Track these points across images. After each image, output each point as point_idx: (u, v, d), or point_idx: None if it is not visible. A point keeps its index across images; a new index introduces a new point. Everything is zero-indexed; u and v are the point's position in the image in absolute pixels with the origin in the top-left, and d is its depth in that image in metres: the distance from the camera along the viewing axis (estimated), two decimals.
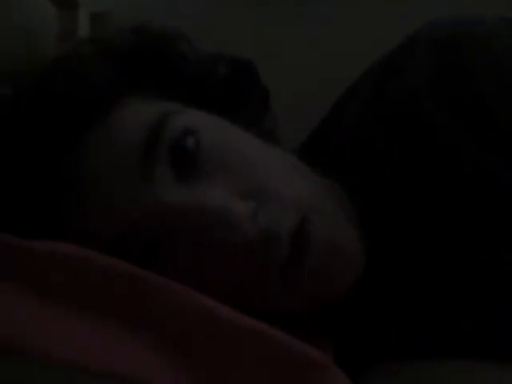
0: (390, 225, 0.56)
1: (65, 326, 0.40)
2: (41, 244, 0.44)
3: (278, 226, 0.47)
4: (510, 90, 0.54)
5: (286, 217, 0.48)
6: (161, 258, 0.48)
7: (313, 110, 0.68)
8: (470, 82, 0.54)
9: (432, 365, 0.52)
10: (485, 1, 0.95)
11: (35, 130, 0.49)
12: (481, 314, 0.54)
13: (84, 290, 0.42)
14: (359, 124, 0.59)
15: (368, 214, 0.55)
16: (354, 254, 0.50)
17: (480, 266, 0.54)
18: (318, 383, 0.40)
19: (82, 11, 1.09)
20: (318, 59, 1.28)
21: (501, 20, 0.58)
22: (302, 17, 1.32)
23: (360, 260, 0.51)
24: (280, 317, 0.45)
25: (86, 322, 0.41)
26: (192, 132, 0.50)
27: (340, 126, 0.61)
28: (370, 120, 0.58)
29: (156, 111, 0.50)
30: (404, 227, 0.55)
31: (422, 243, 0.55)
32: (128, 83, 0.53)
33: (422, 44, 0.57)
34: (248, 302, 0.46)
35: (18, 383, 0.37)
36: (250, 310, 0.43)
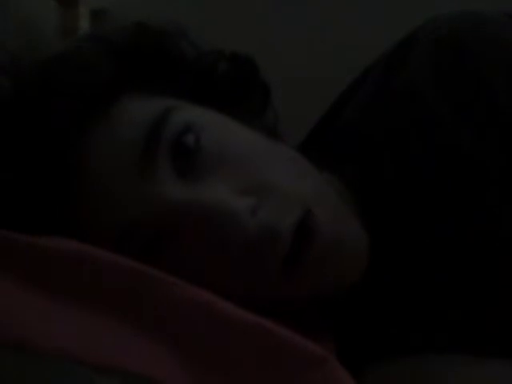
0: (390, 217, 0.56)
1: (68, 321, 0.40)
2: (41, 239, 0.44)
3: (278, 222, 0.47)
4: None
5: (288, 212, 0.48)
6: (162, 255, 0.48)
7: (314, 104, 0.68)
8: (478, 78, 0.54)
9: (432, 360, 0.52)
10: None
11: (35, 124, 0.49)
12: (468, 305, 0.54)
13: (85, 286, 0.42)
14: (361, 118, 0.59)
15: (368, 207, 0.55)
16: (357, 246, 0.51)
17: (475, 259, 0.54)
18: (319, 377, 0.40)
19: (82, 8, 1.10)
20: (320, 52, 1.29)
21: (503, 15, 0.58)
22: (302, 12, 1.32)
23: (364, 252, 0.51)
24: (281, 312, 0.45)
25: (88, 318, 0.41)
26: (192, 128, 0.50)
27: (342, 120, 0.61)
28: (372, 114, 0.58)
29: (156, 107, 0.50)
30: (404, 219, 0.55)
31: (422, 234, 0.55)
32: (128, 79, 0.53)
33: (426, 39, 0.57)
34: (249, 296, 0.46)
35: (18, 378, 0.37)
36: (251, 304, 0.43)
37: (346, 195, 0.55)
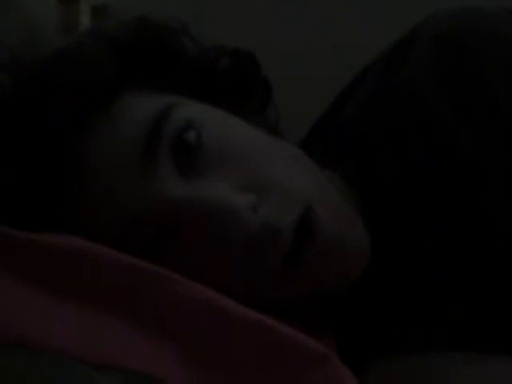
0: (390, 215, 0.56)
1: (68, 319, 0.40)
2: (42, 236, 0.44)
3: (278, 219, 0.47)
4: None
5: (289, 209, 0.48)
6: (162, 252, 0.48)
7: (314, 104, 0.68)
8: (478, 76, 0.54)
9: (434, 357, 0.52)
10: None
11: (36, 122, 0.49)
12: (468, 304, 0.54)
13: (86, 283, 0.42)
14: (361, 116, 0.59)
15: (369, 204, 0.55)
16: (359, 244, 0.51)
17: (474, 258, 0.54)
18: (320, 375, 0.40)
19: (83, 4, 1.10)
20: (320, 52, 1.28)
21: (503, 11, 0.58)
22: (302, 12, 1.32)
23: (365, 250, 0.51)
24: (282, 310, 0.45)
25: (88, 315, 0.41)
26: (193, 125, 0.50)
27: (342, 118, 0.61)
28: (372, 112, 0.58)
29: (158, 104, 0.50)
30: (404, 218, 0.55)
31: (422, 234, 0.55)
32: (130, 75, 0.53)
33: (426, 37, 0.57)
34: (249, 295, 0.46)
35: (18, 376, 0.36)
36: (253, 301, 0.43)
37: (347, 193, 0.55)
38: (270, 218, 0.47)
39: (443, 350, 0.52)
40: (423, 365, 0.52)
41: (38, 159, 0.49)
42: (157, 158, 0.48)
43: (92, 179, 0.49)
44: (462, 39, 0.55)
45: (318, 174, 0.54)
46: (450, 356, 0.52)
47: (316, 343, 0.41)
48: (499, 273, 0.54)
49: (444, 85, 0.55)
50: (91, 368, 0.37)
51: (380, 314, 0.56)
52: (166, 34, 0.56)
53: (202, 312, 0.41)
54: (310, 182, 0.51)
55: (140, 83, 0.53)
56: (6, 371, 0.36)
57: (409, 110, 0.56)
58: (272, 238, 0.47)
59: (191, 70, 0.56)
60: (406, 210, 0.56)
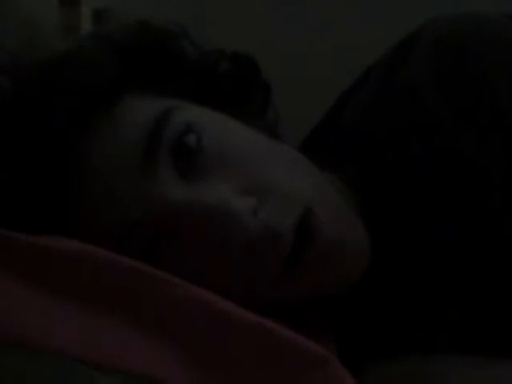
0: (391, 218, 0.56)
1: (67, 319, 0.40)
2: (41, 238, 0.44)
3: (278, 222, 0.47)
4: None
5: (289, 212, 0.48)
6: (162, 255, 0.48)
7: (314, 104, 0.68)
8: (480, 81, 0.54)
9: (433, 360, 0.52)
10: None
11: (36, 123, 0.49)
12: (468, 306, 0.54)
13: (86, 285, 0.42)
14: (363, 117, 0.59)
15: (369, 207, 0.55)
16: (359, 245, 0.51)
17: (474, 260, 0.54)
18: (320, 377, 0.40)
19: (84, 7, 1.10)
20: (320, 52, 1.29)
21: (503, 16, 0.58)
22: (302, 12, 1.32)
23: (365, 252, 0.51)
24: (282, 312, 0.45)
25: (88, 316, 0.41)
26: (194, 128, 0.50)
27: (343, 119, 0.61)
28: (373, 113, 0.58)
29: (158, 107, 0.50)
30: (404, 221, 0.55)
31: (422, 238, 0.55)
32: (131, 78, 0.53)
33: (426, 41, 0.57)
34: (250, 296, 0.46)
35: (18, 376, 0.36)
36: (253, 303, 0.43)
37: (348, 195, 0.55)
38: (270, 221, 0.47)
39: (443, 351, 0.52)
40: (423, 367, 0.52)
41: (38, 160, 0.48)
42: (157, 161, 0.48)
43: (92, 180, 0.49)
44: (464, 44, 0.55)
45: (317, 176, 0.54)
46: (450, 359, 0.52)
47: (316, 346, 0.41)
48: (499, 275, 0.54)
49: (444, 89, 0.55)
50: (91, 368, 0.37)
51: (380, 315, 0.56)
52: (166, 38, 0.56)
53: (202, 313, 0.41)
54: (310, 185, 0.51)
55: (141, 86, 0.53)
56: (5, 371, 0.36)
57: (409, 113, 0.56)
58: (272, 241, 0.47)
59: (191, 73, 0.56)
60: (405, 212, 0.56)
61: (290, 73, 1.21)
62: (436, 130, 0.55)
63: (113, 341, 0.39)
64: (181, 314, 0.41)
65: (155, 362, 0.39)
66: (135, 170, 0.48)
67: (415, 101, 0.56)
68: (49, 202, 0.49)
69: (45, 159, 0.48)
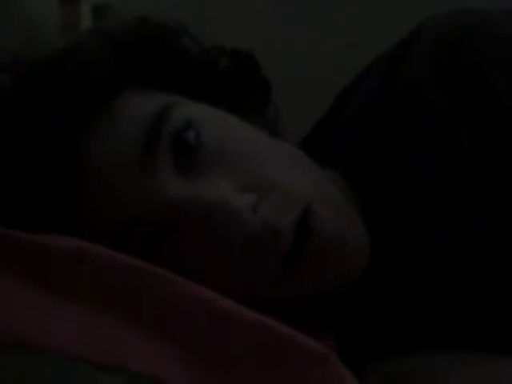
0: (391, 216, 0.56)
1: (68, 319, 0.40)
2: (41, 237, 0.44)
3: (278, 219, 0.47)
4: None
5: (289, 208, 0.48)
6: (163, 252, 0.48)
7: (314, 104, 0.68)
8: (478, 75, 0.54)
9: (433, 358, 0.52)
10: None
11: (36, 121, 0.49)
12: (468, 305, 0.54)
13: (86, 284, 0.42)
14: (363, 114, 0.59)
15: (369, 204, 0.55)
16: (359, 243, 0.51)
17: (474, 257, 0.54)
18: (320, 375, 0.40)
19: (84, 5, 1.10)
20: (320, 52, 1.29)
21: (499, 12, 0.59)
22: (302, 12, 1.32)
23: (366, 250, 0.51)
24: (282, 310, 0.45)
25: (88, 316, 0.41)
26: (193, 125, 0.50)
27: (343, 117, 0.61)
28: (374, 110, 0.58)
29: (157, 103, 0.50)
30: (404, 219, 0.55)
31: (422, 237, 0.55)
32: (130, 74, 0.53)
33: (425, 38, 0.57)
34: (250, 294, 0.46)
35: (19, 376, 0.36)
36: (253, 301, 0.43)
37: (348, 192, 0.55)
38: (270, 218, 0.47)
39: (443, 350, 0.52)
40: (423, 365, 0.52)
41: (38, 159, 0.48)
42: (156, 157, 0.48)
43: (92, 177, 0.49)
44: (463, 39, 0.55)
45: (319, 174, 0.54)
46: (450, 356, 0.52)
47: (316, 344, 0.41)
48: (499, 275, 0.54)
49: (444, 83, 0.55)
50: (94, 368, 0.37)
51: (380, 313, 0.56)
52: (166, 34, 0.56)
53: (202, 312, 0.41)
54: (311, 183, 0.51)
55: (140, 82, 0.53)
56: (5, 371, 0.36)
57: (409, 108, 0.56)
58: (272, 238, 0.47)
59: (191, 69, 0.56)
60: (405, 210, 0.56)
61: (290, 73, 1.21)
62: (437, 122, 0.55)
63: (112, 340, 0.39)
64: (181, 312, 0.41)
65: (156, 361, 0.39)
66: (134, 167, 0.48)
67: (416, 96, 0.56)
68: (48, 200, 0.49)
69: (45, 157, 0.48)
